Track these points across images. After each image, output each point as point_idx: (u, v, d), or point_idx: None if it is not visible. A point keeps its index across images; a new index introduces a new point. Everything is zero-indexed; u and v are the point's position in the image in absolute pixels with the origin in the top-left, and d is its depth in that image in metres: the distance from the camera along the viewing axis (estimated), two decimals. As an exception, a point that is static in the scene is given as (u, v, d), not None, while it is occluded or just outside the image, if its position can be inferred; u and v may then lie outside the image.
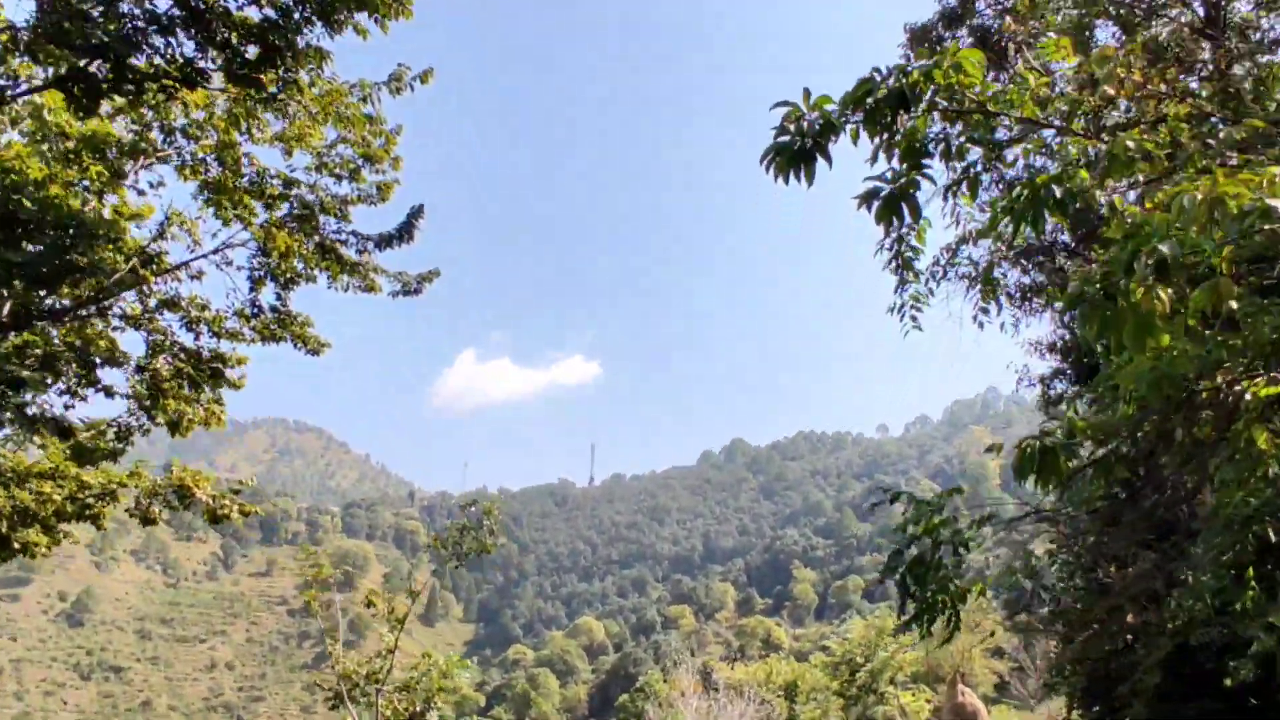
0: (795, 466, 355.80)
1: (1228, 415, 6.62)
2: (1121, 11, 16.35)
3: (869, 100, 6.17)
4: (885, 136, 6.30)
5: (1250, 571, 9.63)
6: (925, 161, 6.42)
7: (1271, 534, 8.56)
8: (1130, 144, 6.30)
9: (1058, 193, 6.24)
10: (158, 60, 9.90)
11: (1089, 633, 22.18)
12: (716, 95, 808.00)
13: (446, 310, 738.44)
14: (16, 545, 15.09)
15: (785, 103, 6.34)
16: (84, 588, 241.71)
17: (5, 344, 12.92)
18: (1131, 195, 7.48)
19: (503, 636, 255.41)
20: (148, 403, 15.53)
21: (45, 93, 11.75)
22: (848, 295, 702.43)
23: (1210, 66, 14.35)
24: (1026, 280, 22.11)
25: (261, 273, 15.40)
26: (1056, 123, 7.04)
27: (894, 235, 7.58)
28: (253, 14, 10.38)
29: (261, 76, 10.70)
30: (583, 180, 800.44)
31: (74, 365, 14.32)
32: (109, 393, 15.46)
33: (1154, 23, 15.75)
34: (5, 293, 11.93)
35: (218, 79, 10.93)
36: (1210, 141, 6.79)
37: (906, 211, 6.39)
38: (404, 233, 14.69)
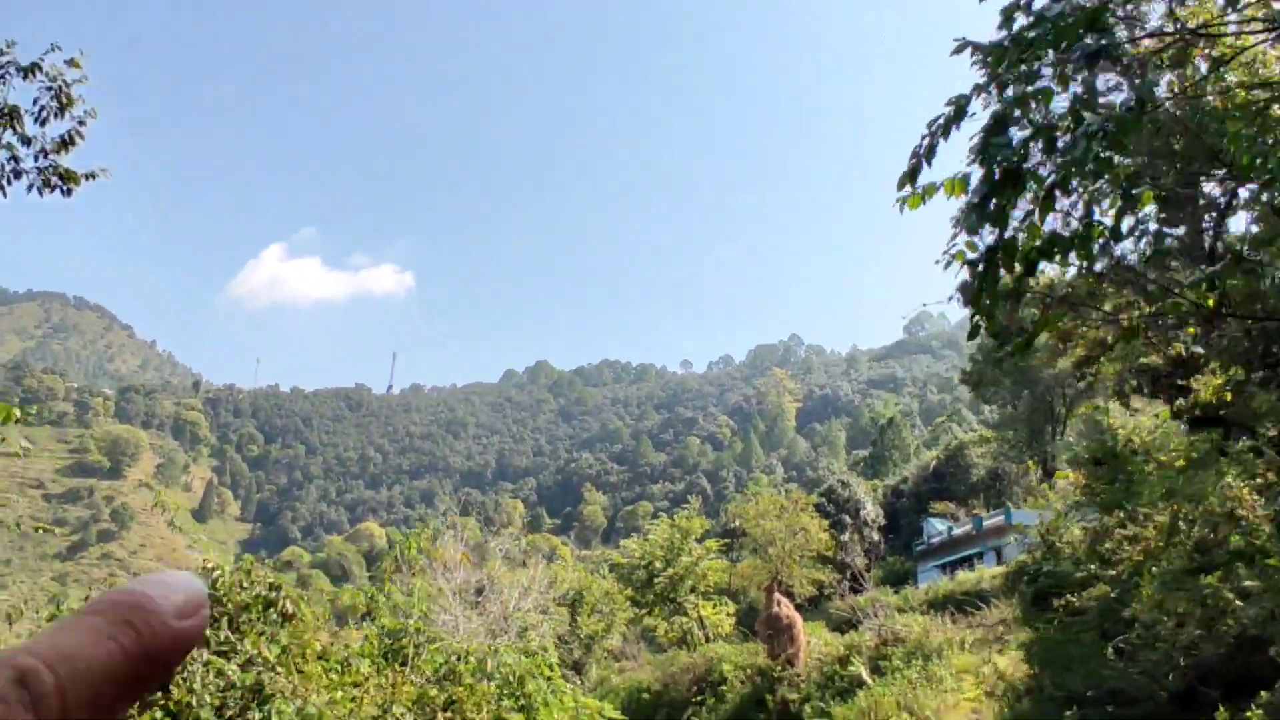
0: (597, 393, 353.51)
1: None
2: None
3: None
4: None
5: None
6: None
7: None
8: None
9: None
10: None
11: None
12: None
13: (255, 199, 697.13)
14: None
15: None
16: None
17: None
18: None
19: (280, 538, 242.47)
20: None
21: None
22: (664, 232, 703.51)
23: None
24: None
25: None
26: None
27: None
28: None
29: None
30: (410, 87, 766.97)
31: None
32: None
33: None
34: None
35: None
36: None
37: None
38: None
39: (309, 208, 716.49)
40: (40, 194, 11.32)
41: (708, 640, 41.57)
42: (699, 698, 37.61)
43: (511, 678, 18.78)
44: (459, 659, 11.38)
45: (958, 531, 54.94)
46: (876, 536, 66.37)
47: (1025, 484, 71.72)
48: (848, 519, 62.24)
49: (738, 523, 40.48)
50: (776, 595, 33.59)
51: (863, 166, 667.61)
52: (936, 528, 57.45)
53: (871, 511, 66.73)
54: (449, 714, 9.95)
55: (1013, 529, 49.90)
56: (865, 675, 27.60)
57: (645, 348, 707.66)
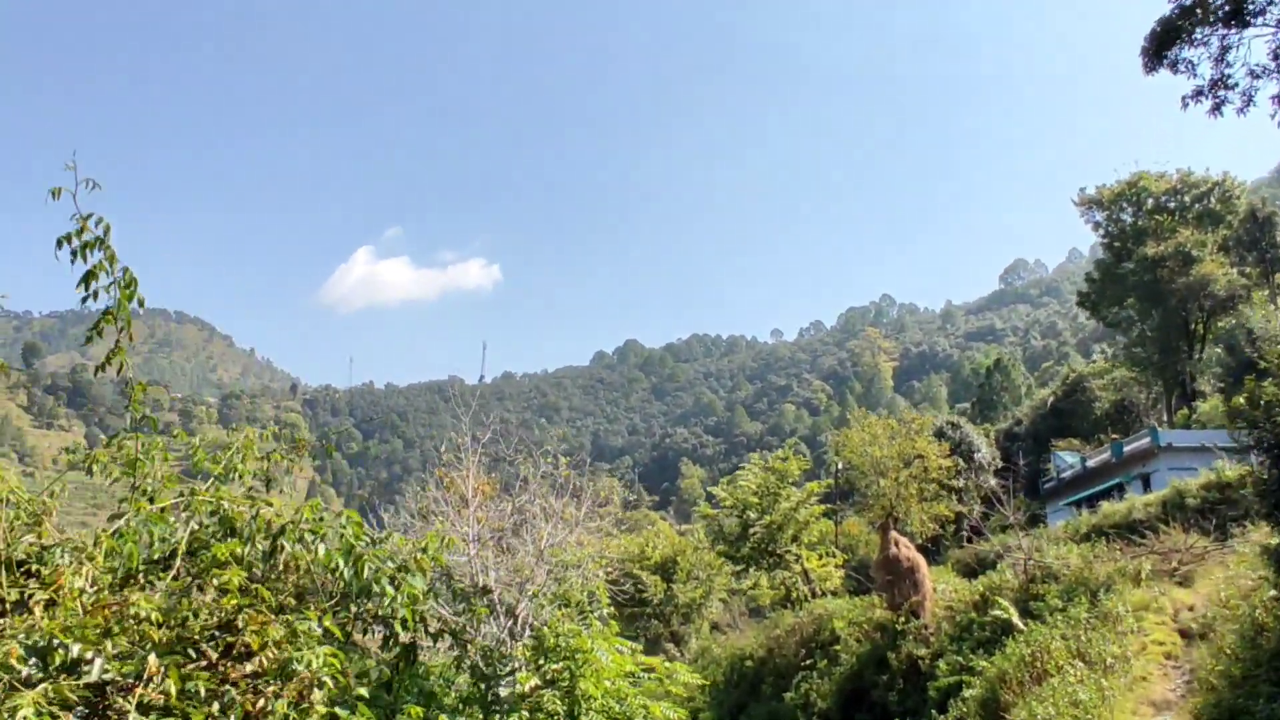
0: (688, 368, 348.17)
1: None
2: None
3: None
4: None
5: None
6: None
7: None
8: None
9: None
10: None
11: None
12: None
13: (342, 205, 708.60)
14: None
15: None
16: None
17: None
18: None
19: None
20: None
21: None
22: (746, 202, 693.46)
23: None
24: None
25: None
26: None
27: None
28: None
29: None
30: (486, 79, 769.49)
31: None
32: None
33: None
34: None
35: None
36: None
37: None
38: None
39: (393, 208, 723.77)
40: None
41: (814, 596, 36.04)
42: (808, 661, 32.18)
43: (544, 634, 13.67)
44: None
45: (1092, 463, 48.30)
46: (993, 481, 59.91)
47: (1158, 411, 64.29)
48: (961, 463, 55.93)
49: (838, 456, 34.70)
50: (893, 534, 27.89)
51: (941, 122, 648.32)
52: (1066, 461, 50.83)
53: (986, 454, 60.15)
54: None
55: (1165, 451, 43.23)
56: (1015, 619, 21.76)
57: (733, 320, 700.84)
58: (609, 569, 17.04)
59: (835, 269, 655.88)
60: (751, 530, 36.52)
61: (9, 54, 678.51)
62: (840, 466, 40.49)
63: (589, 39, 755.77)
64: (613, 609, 16.31)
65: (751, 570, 39.26)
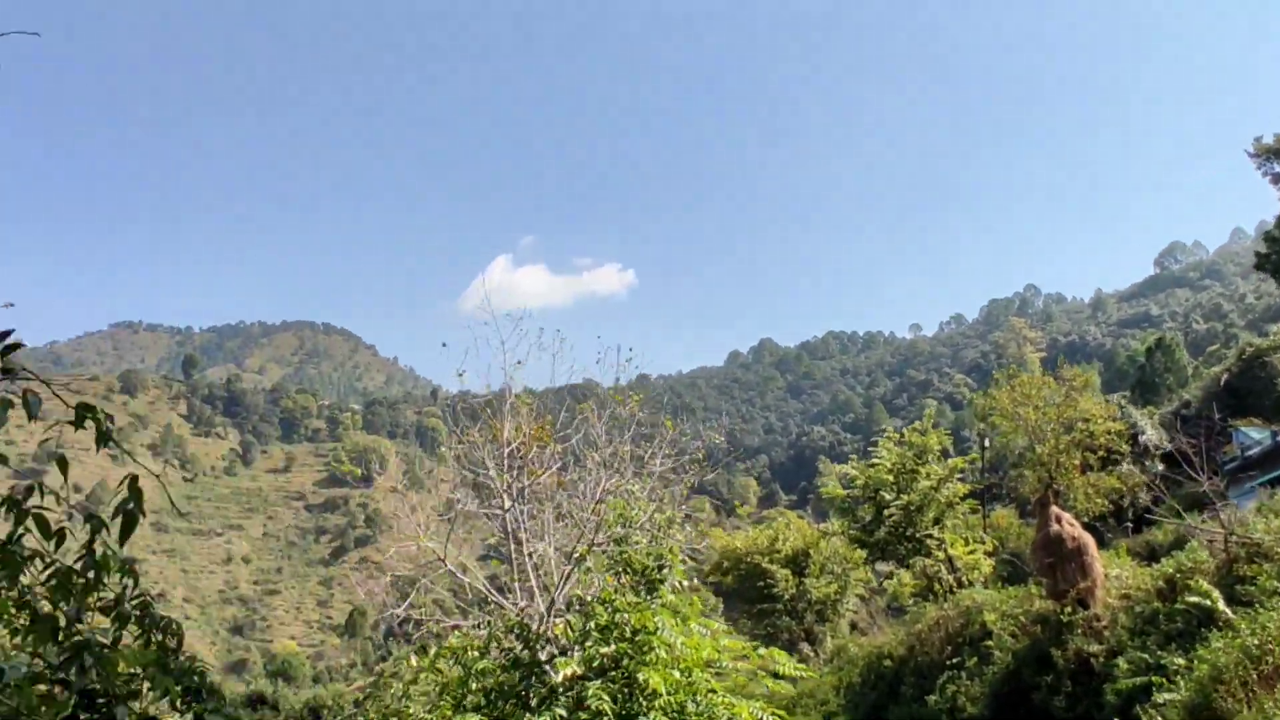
0: (824, 365, 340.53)
1: None
2: None
3: None
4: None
5: None
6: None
7: None
8: None
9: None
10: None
11: None
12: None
13: (479, 216, 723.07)
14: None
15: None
16: (99, 480, 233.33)
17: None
18: None
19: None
20: None
21: None
22: (878, 198, 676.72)
23: None
24: None
25: None
26: None
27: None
28: None
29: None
30: (615, 84, 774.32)
31: None
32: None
33: None
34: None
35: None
36: None
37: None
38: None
39: (528, 216, 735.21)
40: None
41: (960, 586, 31.70)
42: (954, 660, 27.97)
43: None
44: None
45: (1287, 436, 42.22)
46: (1160, 466, 53.77)
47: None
48: (1125, 447, 50.20)
49: (984, 423, 30.21)
50: (1055, 510, 23.54)
51: (1086, 106, 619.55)
52: (1252, 437, 44.65)
53: (1152, 436, 54.05)
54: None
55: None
56: (1222, 606, 17.31)
57: (870, 316, 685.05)
58: (688, 533, 13.49)
59: (976, 261, 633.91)
60: (887, 513, 32.38)
61: (188, 75, 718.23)
62: (984, 438, 35.87)
63: (717, 37, 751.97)
64: (695, 582, 12.90)
65: (888, 558, 35.07)
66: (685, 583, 12.07)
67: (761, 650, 11.16)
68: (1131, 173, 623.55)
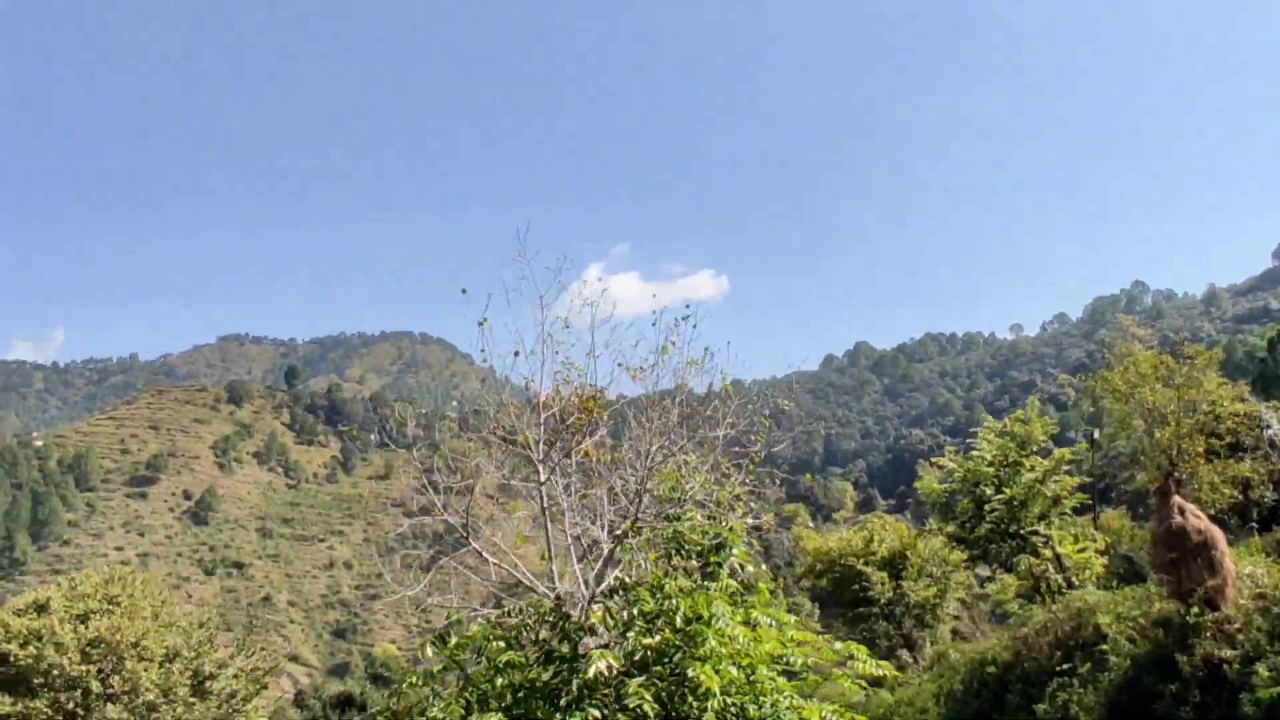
0: (921, 368, 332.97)
1: None
2: None
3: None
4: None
5: None
6: None
7: None
8: None
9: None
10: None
11: None
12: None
13: (571, 226, 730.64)
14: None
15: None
16: (208, 487, 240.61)
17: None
18: None
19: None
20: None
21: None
22: (977, 199, 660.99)
23: None
24: None
25: None
26: None
27: None
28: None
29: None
30: (701, 89, 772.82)
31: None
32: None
33: None
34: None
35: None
36: None
37: None
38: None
39: (620, 224, 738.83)
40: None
41: (1069, 587, 29.34)
42: (1065, 666, 25.72)
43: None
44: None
45: None
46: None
47: None
48: (1254, 433, 46.66)
49: (1094, 406, 27.74)
50: (1177, 500, 21.28)
51: (1195, 97, 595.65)
52: (1397, 427, 40.94)
53: (1279, 430, 50.28)
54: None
55: None
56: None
57: (968, 317, 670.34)
58: (755, 512, 11.95)
59: (1080, 258, 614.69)
60: (988, 508, 30.13)
61: (311, 96, 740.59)
62: (1093, 435, 33.28)
63: (808, 34, 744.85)
64: (764, 568, 11.39)
65: (990, 557, 32.78)
66: (749, 567, 10.57)
67: (838, 645, 9.56)
68: (1246, 162, 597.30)
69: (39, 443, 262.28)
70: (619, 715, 8.02)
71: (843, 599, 51.28)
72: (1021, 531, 30.26)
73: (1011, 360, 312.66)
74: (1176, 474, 21.85)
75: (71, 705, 27.48)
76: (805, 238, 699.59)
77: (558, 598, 9.97)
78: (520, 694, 8.67)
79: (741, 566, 9.61)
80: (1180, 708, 19.82)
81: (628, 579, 9.60)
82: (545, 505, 10.40)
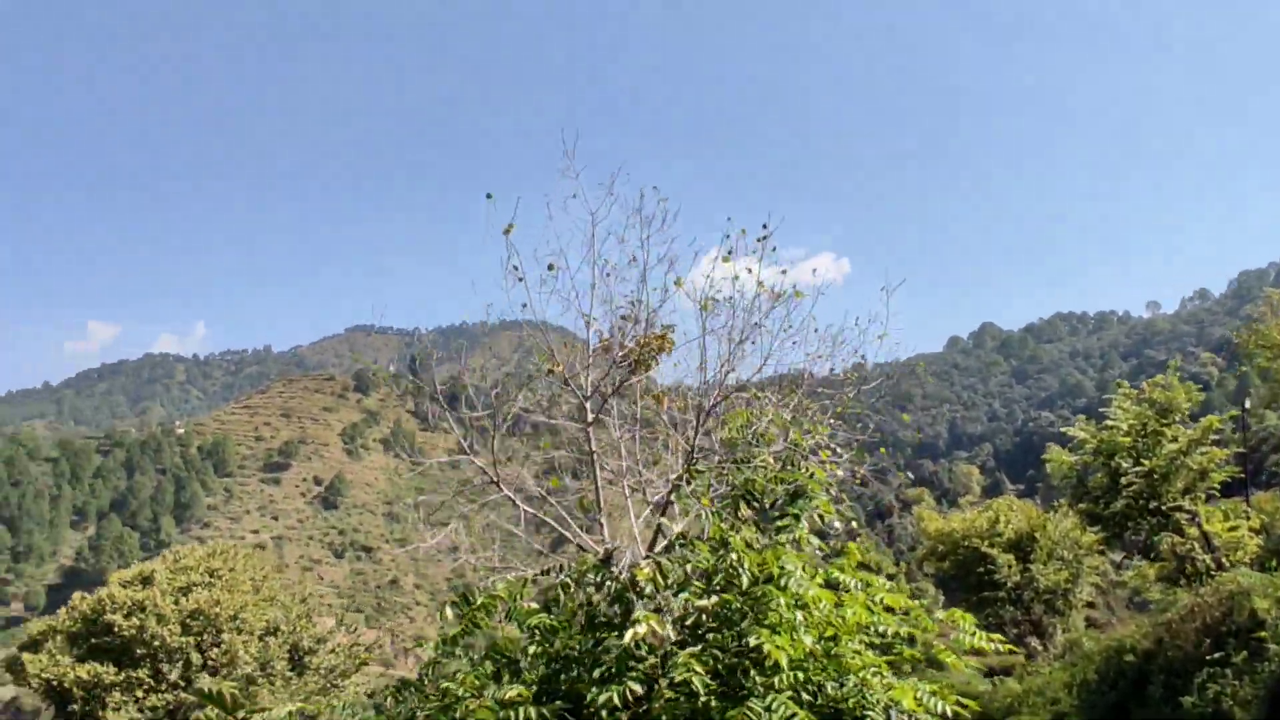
0: (1051, 349, 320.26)
1: None
2: None
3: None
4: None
5: None
6: None
7: None
8: None
9: None
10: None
11: None
12: None
13: (688, 209, 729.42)
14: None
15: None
16: (337, 473, 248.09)
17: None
18: None
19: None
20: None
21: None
22: (1107, 168, 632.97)
23: None
24: None
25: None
26: None
27: None
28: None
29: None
30: (818, 75, 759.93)
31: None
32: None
33: None
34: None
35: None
36: None
37: None
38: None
39: (735, 209, 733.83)
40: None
41: (1219, 568, 26.60)
42: (1215, 655, 23.16)
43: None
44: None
45: None
46: None
47: None
48: None
49: (1248, 363, 24.81)
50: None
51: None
52: None
53: None
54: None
55: None
56: None
57: (1100, 295, 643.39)
58: (847, 462, 10.40)
59: (1222, 231, 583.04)
60: (1124, 481, 27.49)
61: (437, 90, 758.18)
62: (1244, 406, 30.22)
63: (918, 28, 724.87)
64: (852, 525, 9.86)
65: (1127, 537, 30.07)
66: (837, 523, 9.02)
67: (939, 614, 7.92)
68: None
69: (180, 431, 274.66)
70: (666, 691, 6.59)
71: (967, 583, 48.80)
72: (1163, 508, 27.55)
73: (1148, 339, 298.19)
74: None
75: (174, 675, 27.51)
76: (927, 218, 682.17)
77: (606, 553, 8.61)
78: (555, 664, 7.34)
79: (823, 519, 8.04)
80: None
81: (687, 534, 8.17)
82: (593, 450, 9.05)
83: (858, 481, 10.71)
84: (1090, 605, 54.19)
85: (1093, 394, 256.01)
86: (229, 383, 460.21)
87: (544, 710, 6.57)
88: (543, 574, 8.05)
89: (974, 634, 7.81)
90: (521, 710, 6.41)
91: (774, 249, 10.43)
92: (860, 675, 7.00)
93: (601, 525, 9.30)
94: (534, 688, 6.97)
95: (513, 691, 6.67)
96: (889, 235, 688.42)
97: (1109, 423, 28.76)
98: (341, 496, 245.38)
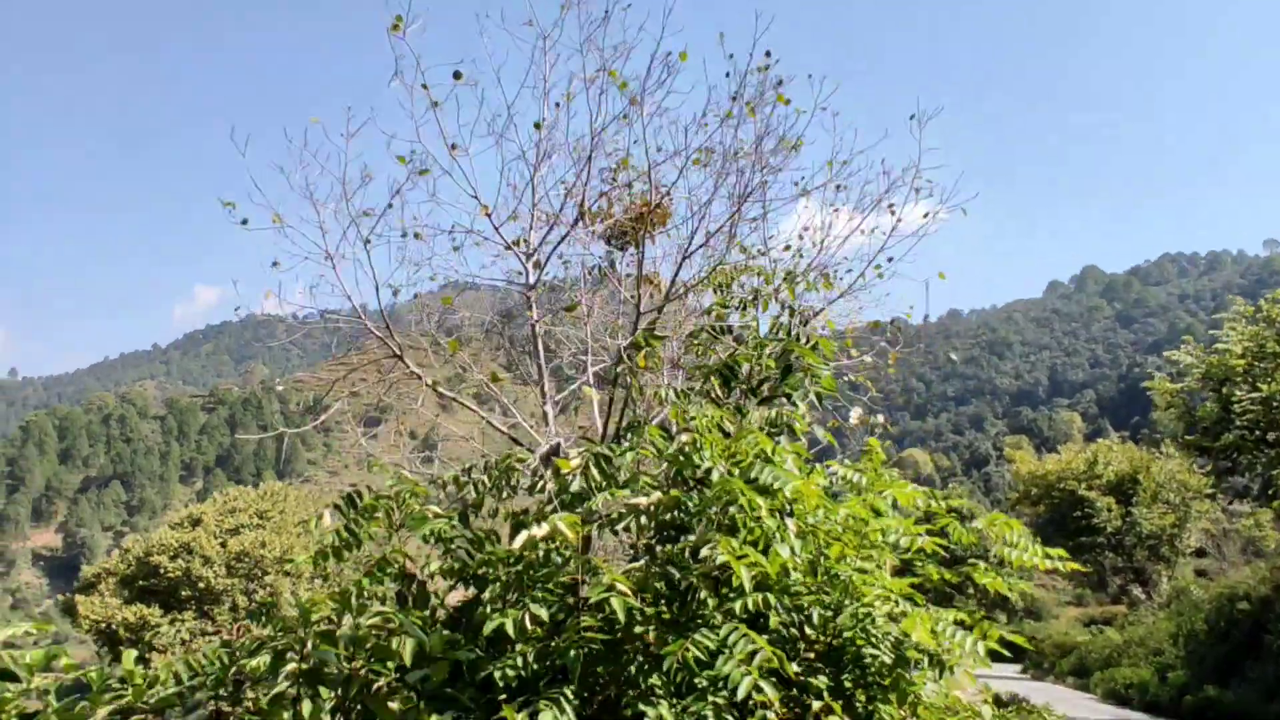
0: (1159, 291, 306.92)
1: None
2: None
3: None
4: None
5: None
6: None
7: None
8: None
9: None
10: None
11: None
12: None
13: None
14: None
15: None
16: (431, 427, 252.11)
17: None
18: None
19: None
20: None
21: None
22: (1216, 101, 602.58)
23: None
24: None
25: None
26: None
27: None
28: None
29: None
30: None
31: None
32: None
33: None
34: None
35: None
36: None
37: None
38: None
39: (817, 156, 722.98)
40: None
41: (1351, 506, 23.75)
42: (1346, 599, 20.56)
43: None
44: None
45: None
46: None
47: None
48: None
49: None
50: None
51: None
52: None
53: None
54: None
55: None
56: None
57: (1212, 234, 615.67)
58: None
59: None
60: (1237, 409, 24.60)
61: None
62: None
63: None
64: (877, 416, 7.93)
65: (1242, 472, 27.14)
66: (854, 415, 7.11)
67: (979, 522, 5.94)
68: None
69: (280, 388, 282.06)
70: (586, 619, 4.78)
71: (1063, 528, 46.09)
72: (1282, 438, 24.69)
73: (1266, 279, 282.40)
74: None
75: (219, 618, 26.89)
76: (1025, 154, 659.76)
77: (552, 450, 6.84)
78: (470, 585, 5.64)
79: (819, 398, 6.09)
80: None
81: (645, 418, 6.35)
82: (535, 324, 7.32)
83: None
84: (1199, 553, 50.93)
85: (1205, 337, 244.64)
86: (326, 341, 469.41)
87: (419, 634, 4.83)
88: (465, 472, 6.28)
89: (1027, 548, 5.81)
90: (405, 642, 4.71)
91: (779, 83, 8.17)
92: (862, 601, 5.11)
93: (547, 415, 7.57)
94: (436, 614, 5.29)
95: (373, 620, 4.99)
96: (986, 177, 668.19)
97: (1220, 345, 25.84)
98: (434, 448, 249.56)
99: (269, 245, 7.05)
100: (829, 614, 5.16)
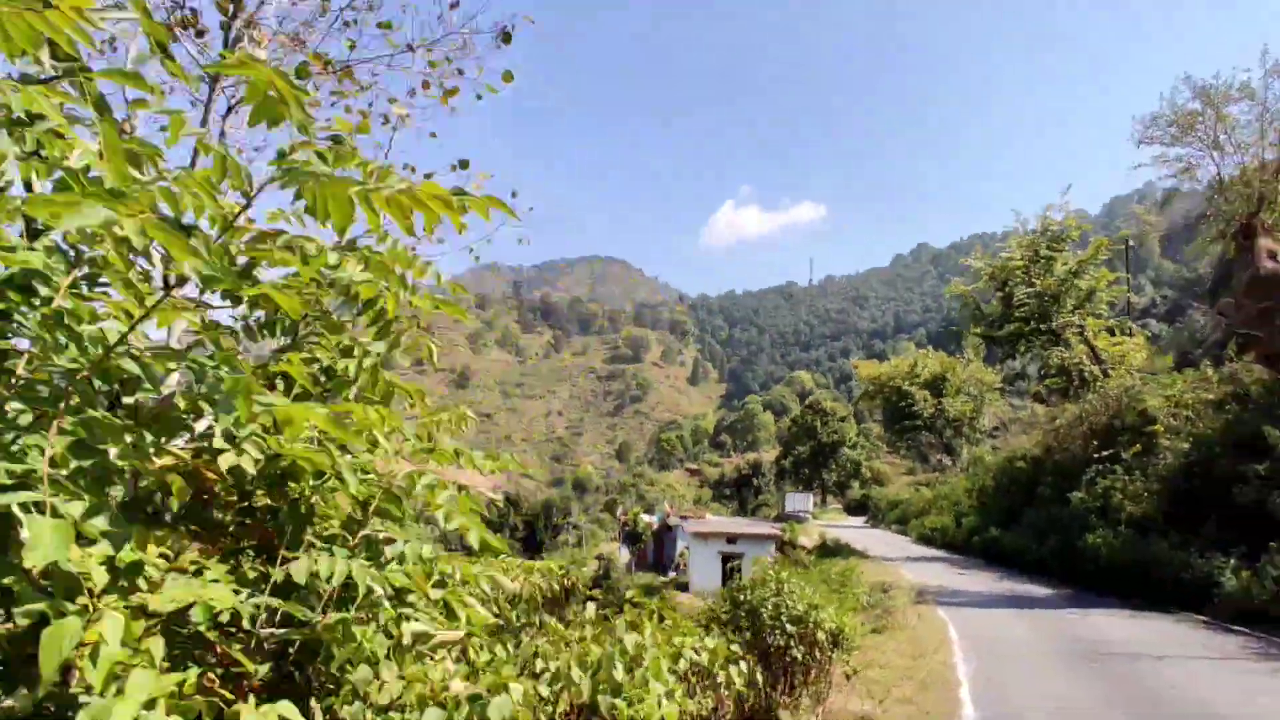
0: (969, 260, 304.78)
1: None
2: None
3: None
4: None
5: None
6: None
7: None
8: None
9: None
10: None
11: None
12: None
13: (710, 168, 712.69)
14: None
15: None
16: (465, 364, 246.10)
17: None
18: None
19: (743, 390, 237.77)
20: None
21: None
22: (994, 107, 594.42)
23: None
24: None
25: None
26: None
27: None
28: None
29: None
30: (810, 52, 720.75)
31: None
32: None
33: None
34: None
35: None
36: None
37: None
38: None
39: (743, 169, 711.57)
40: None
41: (1105, 379, 19.69)
42: (1104, 453, 16.48)
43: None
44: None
45: None
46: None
47: None
48: None
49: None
50: (1265, 244, 11.56)
51: None
52: None
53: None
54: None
55: None
56: None
57: (1008, 217, 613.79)
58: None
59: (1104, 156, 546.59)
60: (1016, 302, 20.55)
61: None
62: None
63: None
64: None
65: (1020, 355, 23.19)
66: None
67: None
68: None
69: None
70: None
71: (894, 417, 42.61)
72: (1053, 327, 20.58)
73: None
74: (1263, 216, 12.15)
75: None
76: (884, 168, 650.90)
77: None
78: None
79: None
80: (1274, 491, 10.68)
81: None
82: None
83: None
84: (992, 434, 47.65)
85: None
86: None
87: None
88: None
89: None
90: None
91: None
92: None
93: None
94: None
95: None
96: (854, 186, 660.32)
97: (1003, 254, 21.62)
98: (466, 381, 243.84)
99: None
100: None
